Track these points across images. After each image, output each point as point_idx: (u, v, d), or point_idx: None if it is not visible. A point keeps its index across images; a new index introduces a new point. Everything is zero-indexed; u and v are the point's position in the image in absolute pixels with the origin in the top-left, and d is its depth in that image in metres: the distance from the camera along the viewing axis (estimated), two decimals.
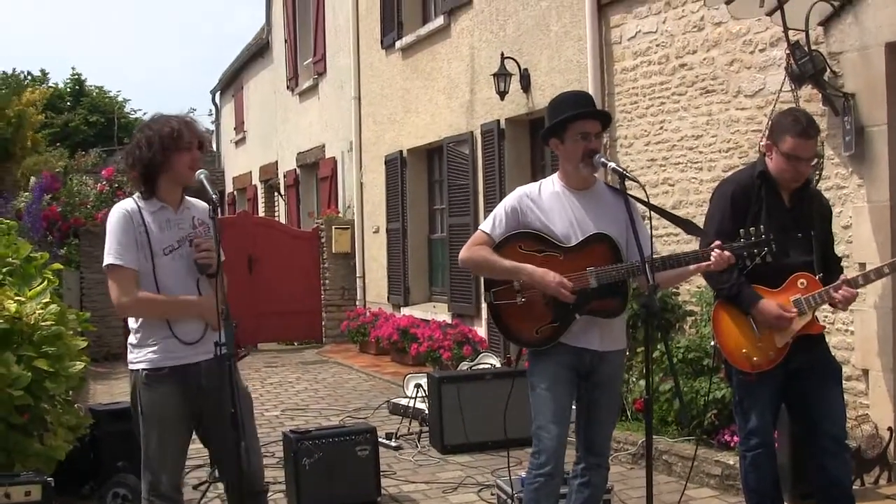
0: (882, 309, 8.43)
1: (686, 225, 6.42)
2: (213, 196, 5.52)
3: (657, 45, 11.34)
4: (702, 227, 6.60)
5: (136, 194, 5.73)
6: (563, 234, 5.88)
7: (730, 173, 8.01)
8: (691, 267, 5.85)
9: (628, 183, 5.69)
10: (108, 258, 5.55)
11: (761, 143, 6.70)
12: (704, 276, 6.37)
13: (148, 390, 5.56)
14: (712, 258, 5.72)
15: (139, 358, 5.61)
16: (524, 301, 5.87)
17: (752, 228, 5.82)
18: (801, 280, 6.36)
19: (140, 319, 5.64)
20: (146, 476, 5.60)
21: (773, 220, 6.22)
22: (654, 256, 5.70)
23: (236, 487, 5.63)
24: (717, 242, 5.76)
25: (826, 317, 8.84)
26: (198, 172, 5.61)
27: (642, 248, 5.53)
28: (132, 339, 5.69)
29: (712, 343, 6.66)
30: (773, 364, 6.35)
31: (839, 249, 8.31)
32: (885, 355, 8.42)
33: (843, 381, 8.29)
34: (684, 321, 10.58)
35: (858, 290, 6.46)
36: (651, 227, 5.79)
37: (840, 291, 6.30)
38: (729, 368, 6.58)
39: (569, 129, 5.90)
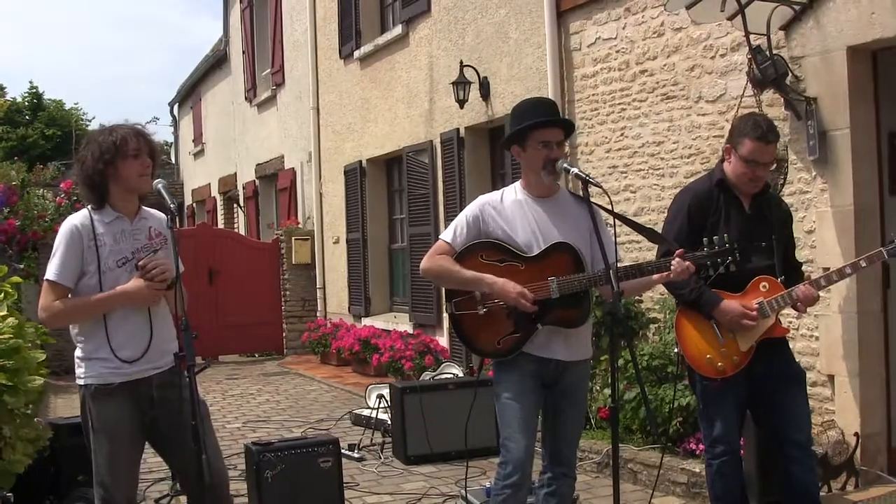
0: (847, 313, 8.41)
1: (649, 233, 6.37)
2: (172, 206, 5.43)
3: (617, 52, 11.30)
4: (649, 227, 6.59)
5: (89, 206, 5.64)
6: (525, 244, 5.84)
7: (691, 180, 7.98)
8: (654, 277, 5.82)
9: (592, 190, 5.65)
10: (48, 272, 5.53)
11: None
12: (664, 283, 6.34)
13: (98, 404, 5.50)
14: (672, 268, 5.68)
15: (87, 373, 5.55)
16: (486, 311, 5.82)
17: (715, 237, 5.80)
18: (764, 283, 6.38)
19: (82, 334, 5.57)
20: (98, 491, 5.52)
21: (733, 227, 6.24)
22: (618, 265, 5.66)
23: (199, 500, 5.56)
24: (680, 251, 5.71)
25: (791, 322, 8.82)
26: (156, 182, 5.54)
27: (606, 256, 5.50)
28: (78, 352, 5.64)
29: (676, 350, 6.64)
30: (738, 369, 6.35)
31: (803, 254, 8.34)
32: (851, 360, 8.40)
33: (809, 388, 8.34)
34: (648, 328, 10.54)
35: (820, 293, 6.51)
36: (615, 235, 5.72)
37: (801, 293, 6.30)
38: (692, 376, 6.59)
39: (530, 137, 5.87)
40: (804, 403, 6.62)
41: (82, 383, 5.59)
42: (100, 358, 5.51)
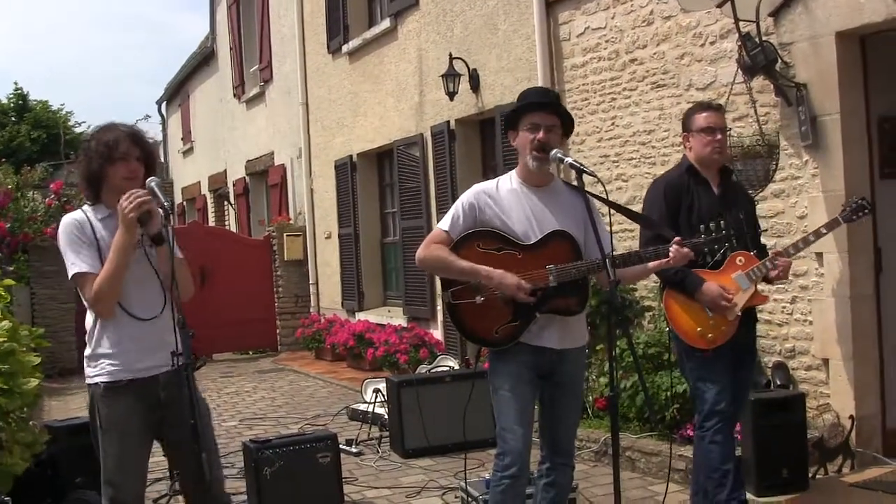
0: (840, 297, 8.44)
1: (643, 220, 6.62)
2: (165, 203, 5.41)
3: (606, 41, 11.32)
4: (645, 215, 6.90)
5: (85, 204, 5.65)
6: (522, 232, 5.81)
7: None
8: (651, 264, 5.85)
9: (586, 179, 5.64)
10: (71, 269, 5.43)
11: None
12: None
13: (107, 403, 5.46)
14: (671, 254, 5.71)
15: (96, 371, 5.50)
16: (483, 300, 5.79)
17: (711, 224, 5.86)
18: (739, 258, 6.75)
19: (94, 328, 5.54)
20: (107, 492, 5.48)
21: (704, 206, 6.66)
22: (615, 254, 5.67)
23: (198, 499, 5.56)
24: (677, 239, 5.75)
25: (784, 307, 8.89)
26: (148, 180, 5.50)
27: (602, 245, 5.50)
28: (88, 351, 5.59)
29: (667, 329, 6.84)
30: (727, 338, 6.66)
31: (795, 240, 8.35)
32: (844, 344, 8.44)
33: (803, 371, 8.60)
34: (643, 317, 10.56)
35: (791, 259, 7.01)
36: (609, 224, 5.73)
37: (776, 261, 6.73)
38: (681, 352, 6.87)
39: (522, 120, 5.87)
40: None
41: (91, 382, 5.54)
42: (109, 354, 5.47)
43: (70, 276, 5.47)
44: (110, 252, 5.37)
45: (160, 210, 5.42)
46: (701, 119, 6.81)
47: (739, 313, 6.63)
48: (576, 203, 5.83)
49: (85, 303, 5.52)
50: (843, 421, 8.37)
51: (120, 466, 5.46)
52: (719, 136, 6.78)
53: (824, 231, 7.11)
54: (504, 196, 5.91)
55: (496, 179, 6.08)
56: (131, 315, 5.49)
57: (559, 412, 6.00)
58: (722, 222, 5.91)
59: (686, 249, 5.73)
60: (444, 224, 5.95)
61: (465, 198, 5.97)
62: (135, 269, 5.51)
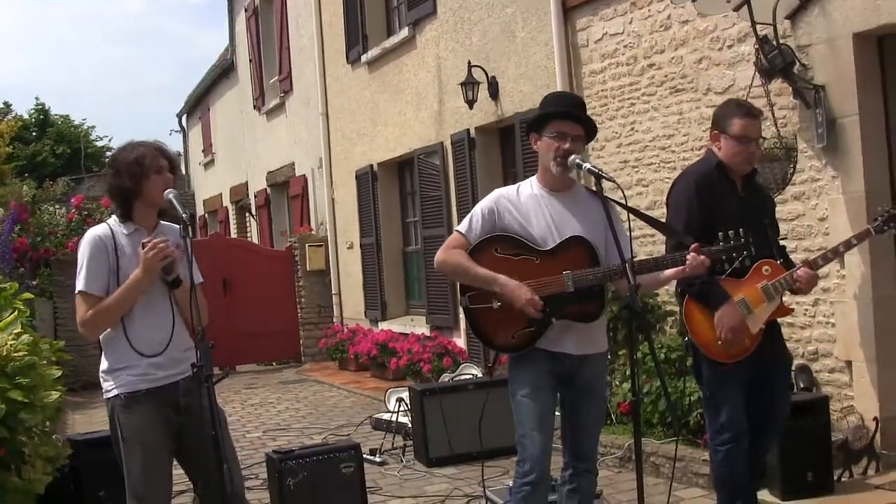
0: (862, 300, 8.40)
1: (663, 227, 6.50)
2: (184, 215, 5.44)
3: (624, 47, 11.31)
4: (665, 222, 6.69)
5: (113, 217, 5.69)
6: (541, 237, 5.82)
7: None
8: (669, 272, 5.81)
9: (606, 185, 5.64)
10: (78, 284, 5.55)
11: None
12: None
13: (127, 413, 5.49)
14: (688, 263, 5.67)
15: (115, 384, 5.54)
16: (500, 305, 5.78)
17: (730, 232, 5.80)
18: (766, 267, 6.49)
19: (106, 344, 5.59)
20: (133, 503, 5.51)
21: (727, 206, 6.40)
22: (633, 260, 5.65)
23: None
24: (695, 245, 5.71)
25: (807, 310, 8.85)
26: (166, 192, 5.55)
27: (622, 251, 5.48)
28: (103, 366, 5.62)
29: (685, 338, 6.68)
30: (749, 352, 6.43)
31: (816, 242, 8.39)
32: (868, 346, 8.40)
33: (827, 374, 8.52)
34: (665, 321, 10.53)
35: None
36: (629, 229, 5.72)
37: (801, 274, 6.46)
38: (699, 362, 6.66)
39: (547, 126, 5.85)
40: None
41: (111, 395, 5.58)
42: (126, 367, 5.52)
43: (76, 291, 5.59)
44: (122, 287, 5.50)
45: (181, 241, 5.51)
46: (737, 126, 6.44)
47: (763, 326, 6.44)
48: (597, 208, 5.80)
49: (77, 319, 5.60)
50: (868, 423, 8.33)
51: (145, 478, 5.49)
52: (752, 149, 6.52)
53: (854, 242, 6.80)
54: (524, 201, 5.92)
55: (517, 185, 6.09)
56: (136, 351, 5.54)
57: (580, 418, 6.00)
58: (741, 230, 5.82)
59: (703, 257, 5.69)
60: (462, 227, 5.97)
61: (485, 203, 5.98)
62: (152, 302, 5.63)
